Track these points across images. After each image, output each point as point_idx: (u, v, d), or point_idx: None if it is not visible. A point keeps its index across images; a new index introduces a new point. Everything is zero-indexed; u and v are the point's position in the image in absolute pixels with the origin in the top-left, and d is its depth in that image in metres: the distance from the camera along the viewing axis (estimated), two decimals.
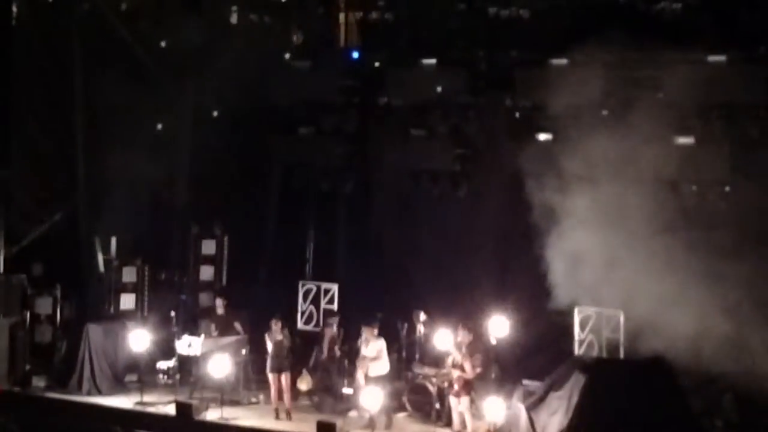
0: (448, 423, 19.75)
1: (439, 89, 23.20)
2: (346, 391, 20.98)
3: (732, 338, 18.19)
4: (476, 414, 19.50)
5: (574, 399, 18.87)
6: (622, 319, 20.03)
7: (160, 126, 23.98)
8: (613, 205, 19.10)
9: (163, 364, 22.34)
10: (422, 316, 21.25)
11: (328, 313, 22.50)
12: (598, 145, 19.66)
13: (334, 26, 24.81)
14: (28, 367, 22.79)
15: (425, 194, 23.74)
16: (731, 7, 19.46)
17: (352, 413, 20.34)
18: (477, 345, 19.79)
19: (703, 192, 20.61)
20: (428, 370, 20.33)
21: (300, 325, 22.65)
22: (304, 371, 20.95)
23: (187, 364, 21.96)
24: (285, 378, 20.42)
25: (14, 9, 24.13)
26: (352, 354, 20.96)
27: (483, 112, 23.07)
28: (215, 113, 24.29)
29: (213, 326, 22.13)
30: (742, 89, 19.52)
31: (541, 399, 19.58)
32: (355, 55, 24.62)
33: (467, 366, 19.11)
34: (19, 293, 23.02)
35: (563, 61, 21.45)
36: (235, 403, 21.31)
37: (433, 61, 23.21)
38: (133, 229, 23.71)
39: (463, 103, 23.14)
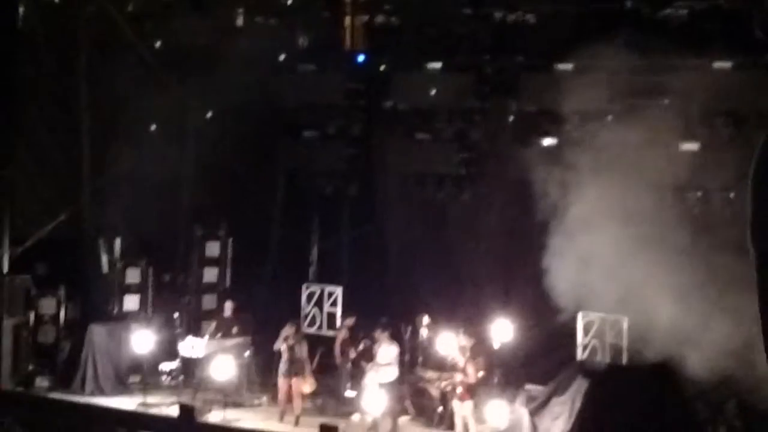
0: (451, 427, 19.76)
1: (443, 93, 23.19)
2: (350, 393, 21.00)
3: (736, 344, 18.18)
4: (479, 418, 19.51)
5: (577, 404, 18.88)
6: (625, 324, 20.06)
7: (165, 127, 23.96)
8: (617, 211, 19.09)
9: (166, 366, 22.39)
10: (425, 320, 21.27)
11: (345, 315, 22.53)
12: (603, 151, 19.67)
13: (339, 29, 24.80)
14: (31, 367, 22.82)
15: (430, 198, 23.75)
16: (737, 13, 19.44)
17: (355, 416, 20.35)
18: (480, 349, 19.80)
19: (708, 198, 20.61)
20: (431, 374, 20.35)
21: (303, 328, 22.65)
22: (307, 374, 20.96)
23: (190, 366, 21.99)
24: (296, 383, 20.41)
25: (20, 10, 24.13)
26: (363, 357, 20.95)
27: (488, 116, 23.08)
28: (220, 115, 24.27)
29: (214, 327, 22.13)
30: (748, 96, 19.51)
31: (544, 404, 19.60)
32: (361, 58, 24.62)
33: (470, 370, 19.11)
34: (24, 293, 23.04)
35: (568, 67, 21.46)
36: (238, 404, 21.33)
37: (438, 65, 23.22)
38: (138, 231, 23.74)
39: (468, 107, 23.15)
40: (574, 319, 20.46)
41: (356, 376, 20.96)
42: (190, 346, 21.66)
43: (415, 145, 23.69)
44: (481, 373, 19.37)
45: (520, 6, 21.88)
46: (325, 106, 24.58)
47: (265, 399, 21.75)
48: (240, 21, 24.81)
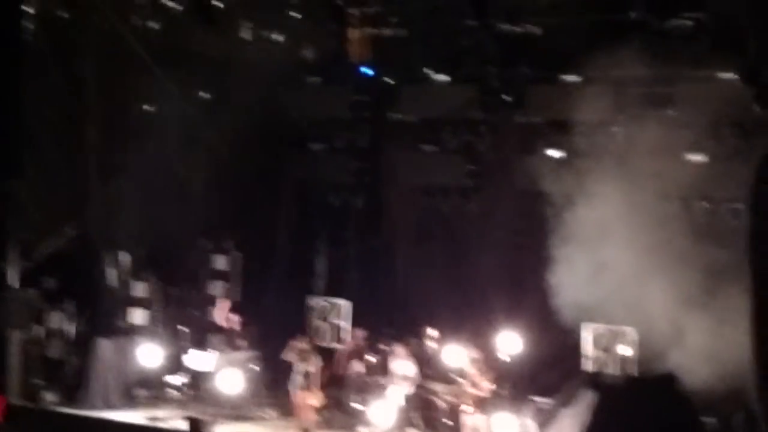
0: None
1: (449, 105, 23.21)
2: (357, 407, 20.98)
3: (745, 355, 18.16)
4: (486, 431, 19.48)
5: (585, 417, 18.84)
6: (634, 336, 20.04)
7: (172, 141, 23.98)
8: (625, 222, 19.10)
9: (173, 380, 22.38)
10: (432, 332, 21.25)
11: (354, 328, 22.57)
12: (610, 162, 19.67)
13: (346, 42, 24.80)
14: (39, 381, 22.82)
15: (436, 210, 23.76)
16: (744, 24, 19.42)
17: (362, 430, 20.33)
18: (490, 362, 19.81)
19: (715, 209, 20.58)
20: (438, 387, 20.32)
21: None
22: (316, 387, 20.95)
23: (198, 379, 22.00)
24: (305, 396, 20.39)
25: (27, 23, 24.19)
26: (371, 371, 20.96)
27: (494, 128, 23.09)
28: (227, 128, 24.30)
29: (221, 340, 22.14)
30: (755, 107, 19.48)
31: (552, 416, 19.57)
32: (368, 71, 24.64)
33: (482, 383, 19.08)
34: (31, 308, 23.07)
35: (575, 78, 21.47)
36: (245, 418, 21.32)
37: (444, 77, 23.24)
38: (145, 244, 23.76)
39: (474, 119, 23.16)
40: (581, 331, 20.45)
41: (364, 390, 20.95)
42: (198, 360, 21.66)
43: (422, 157, 23.72)
44: (493, 387, 19.35)
45: (526, 18, 21.88)
46: (331, 119, 24.62)
47: (272, 413, 21.74)
48: (247, 34, 24.83)
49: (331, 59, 24.84)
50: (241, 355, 21.96)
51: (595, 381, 19.81)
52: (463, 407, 19.38)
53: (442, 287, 23.02)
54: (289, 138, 25.00)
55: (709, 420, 18.83)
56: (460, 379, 19.65)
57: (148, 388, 22.38)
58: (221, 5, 23.28)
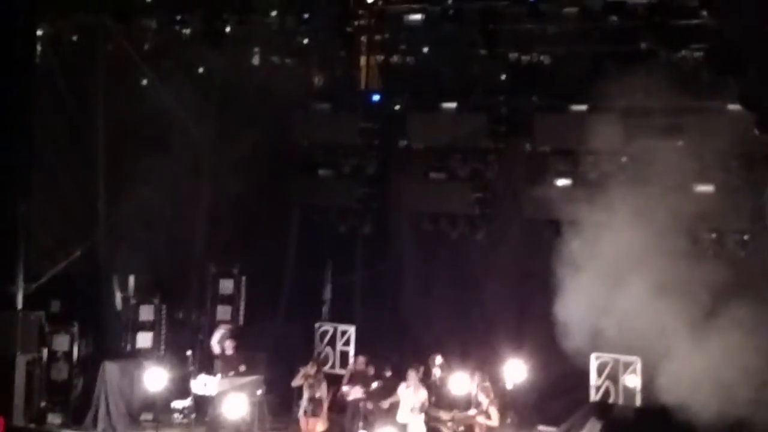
0: None
1: (457, 133, 23.24)
2: None
3: (752, 386, 18.13)
4: None
5: None
6: (639, 365, 20.01)
7: (180, 165, 24.03)
8: (631, 252, 19.09)
9: (178, 404, 22.36)
10: (438, 360, 21.22)
11: (345, 353, 22.56)
12: (617, 192, 19.68)
13: (355, 69, 24.89)
14: (44, 404, 22.81)
15: (443, 237, 23.75)
16: (743, 50, 19.44)
17: None
18: (498, 391, 19.78)
19: (722, 240, 20.56)
20: (443, 415, 20.26)
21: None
22: (323, 413, 20.88)
23: (202, 404, 21.96)
24: (312, 422, 20.34)
25: (38, 47, 24.28)
26: (377, 396, 20.92)
27: (503, 156, 23.11)
28: (235, 153, 24.33)
29: (220, 366, 22.11)
30: (763, 138, 19.49)
31: None
32: (376, 97, 24.69)
33: (493, 413, 19.03)
34: (37, 330, 23.05)
35: (583, 108, 21.49)
36: None
37: (453, 105, 23.26)
38: (152, 268, 23.77)
39: (482, 147, 23.17)
40: (587, 361, 20.42)
41: (368, 416, 20.91)
42: (203, 384, 21.63)
43: (430, 184, 23.71)
44: (500, 418, 19.26)
45: (535, 47, 21.93)
46: (339, 145, 24.62)
47: None
48: (256, 60, 24.91)
49: (341, 86, 24.91)
50: (247, 380, 21.93)
51: (600, 410, 19.78)
52: None
53: (448, 314, 23.01)
54: (296, 164, 25.02)
55: None
56: (466, 406, 19.59)
57: (153, 412, 22.34)
58: (231, 30, 23.38)
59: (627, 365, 20.34)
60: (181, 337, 23.26)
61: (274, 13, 23.34)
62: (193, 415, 21.97)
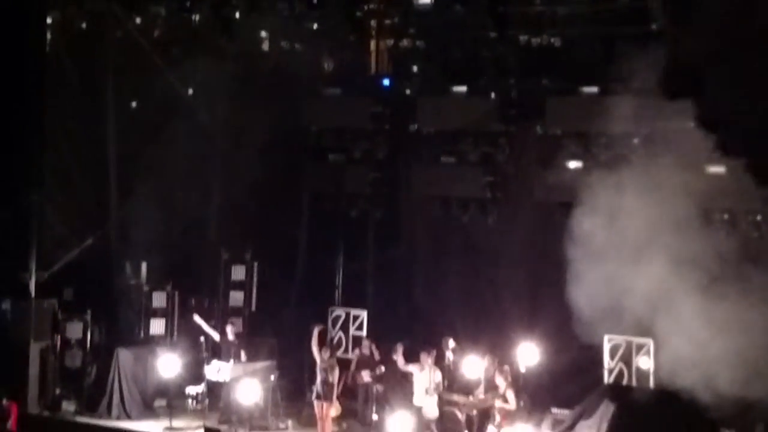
0: None
1: (468, 117, 23.20)
2: (375, 417, 20.96)
3: (765, 367, 18.09)
4: None
5: (604, 428, 18.83)
6: (652, 347, 19.99)
7: (192, 151, 24.04)
8: (643, 233, 19.05)
9: (192, 389, 22.41)
10: (451, 343, 21.22)
11: (358, 337, 22.58)
12: (629, 174, 19.63)
13: (365, 54, 24.87)
14: (58, 391, 22.88)
15: (455, 221, 23.73)
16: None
17: None
18: (515, 375, 19.79)
19: (734, 221, 20.50)
20: (457, 398, 20.27)
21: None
22: (334, 398, 20.92)
23: (216, 390, 22.01)
24: (325, 407, 20.36)
25: (48, 35, 24.30)
26: (388, 379, 20.94)
27: (513, 139, 23.07)
28: (246, 139, 24.34)
29: (228, 351, 22.13)
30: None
31: (570, 427, 19.56)
32: (386, 82, 24.66)
33: (511, 397, 19.02)
34: (50, 317, 23.13)
35: (594, 90, 21.43)
36: (263, 428, 21.33)
37: (463, 88, 23.22)
38: (164, 255, 23.80)
39: (493, 130, 23.13)
40: (600, 343, 20.41)
41: (381, 400, 20.95)
42: (216, 370, 21.68)
43: (441, 168, 23.69)
44: (517, 399, 19.25)
45: (546, 29, 21.88)
46: (350, 130, 24.61)
47: (290, 423, 21.73)
48: (266, 46, 24.90)
49: (351, 71, 24.88)
50: (260, 365, 21.96)
51: (613, 392, 19.77)
52: (490, 419, 19.23)
53: (460, 298, 22.99)
54: (307, 149, 25.02)
55: (729, 431, 18.76)
56: (483, 392, 19.58)
57: (167, 398, 22.39)
58: (240, 17, 23.38)
59: (640, 347, 20.31)
60: (193, 324, 23.26)
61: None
62: (207, 401, 22.04)
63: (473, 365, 20.10)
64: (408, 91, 24.34)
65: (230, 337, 22.22)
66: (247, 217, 24.57)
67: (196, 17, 23.97)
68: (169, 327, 23.79)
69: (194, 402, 22.44)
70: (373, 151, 24.47)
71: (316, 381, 20.49)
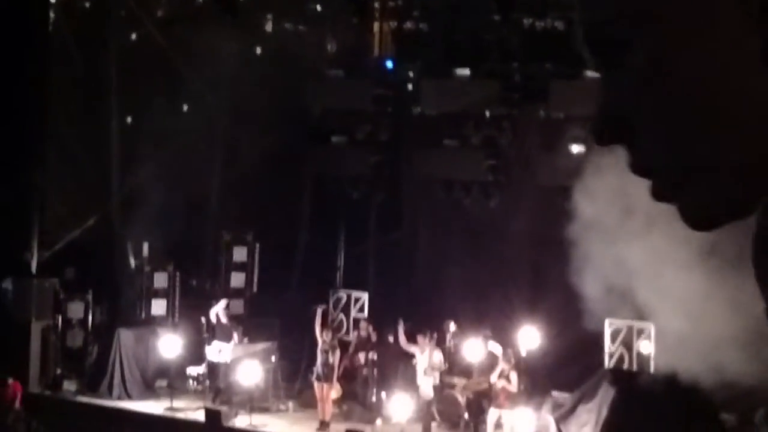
0: None
1: (471, 100, 23.17)
2: (376, 399, 21.00)
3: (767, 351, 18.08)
4: (504, 425, 19.45)
5: (604, 412, 18.85)
6: (653, 332, 19.98)
7: (194, 132, 24.03)
8: (645, 218, 19.02)
9: (193, 370, 22.44)
10: (452, 327, 21.24)
11: (359, 320, 22.61)
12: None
13: (368, 36, 24.83)
14: (59, 370, 22.92)
15: (457, 204, 23.72)
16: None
17: (379, 422, 20.33)
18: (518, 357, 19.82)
19: None
20: (458, 380, 20.31)
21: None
22: (334, 380, 20.96)
23: (216, 371, 22.04)
24: (325, 389, 20.39)
25: (51, 15, 24.27)
26: (383, 361, 20.97)
27: (516, 123, 23.05)
28: (248, 120, 24.32)
29: (221, 333, 22.13)
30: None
31: (571, 411, 19.57)
32: (389, 64, 24.64)
33: (514, 378, 19.05)
34: (52, 297, 23.15)
35: (598, 74, 21.35)
36: (264, 410, 21.36)
37: (467, 71, 23.18)
38: (165, 235, 23.79)
39: (496, 114, 23.12)
40: (601, 327, 20.40)
41: (380, 382, 20.98)
42: (217, 351, 21.70)
43: (443, 151, 23.67)
44: (519, 382, 19.27)
45: (549, 13, 21.83)
46: (353, 112, 24.58)
47: (291, 404, 21.77)
48: (269, 27, 24.86)
49: (354, 53, 24.85)
50: (261, 346, 21.99)
51: (614, 376, 19.78)
52: (493, 400, 19.25)
53: (461, 281, 22.99)
54: (310, 131, 25.00)
55: (728, 417, 18.77)
56: (483, 375, 19.60)
57: (168, 379, 22.42)
58: None
59: (641, 331, 20.30)
60: (195, 304, 23.30)
61: None
62: (208, 382, 22.07)
63: (474, 348, 20.12)
64: (411, 74, 24.31)
65: (224, 320, 22.22)
66: (249, 198, 24.55)
67: None
68: (170, 307, 23.80)
69: (195, 383, 22.47)
70: (376, 134, 24.45)
71: (316, 362, 20.51)
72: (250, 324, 23.21)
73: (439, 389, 20.30)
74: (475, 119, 23.41)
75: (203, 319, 22.43)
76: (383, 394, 20.62)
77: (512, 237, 22.83)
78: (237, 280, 24.70)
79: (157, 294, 23.78)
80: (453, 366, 20.81)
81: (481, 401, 19.82)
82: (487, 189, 23.38)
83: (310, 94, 24.71)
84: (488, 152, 23.22)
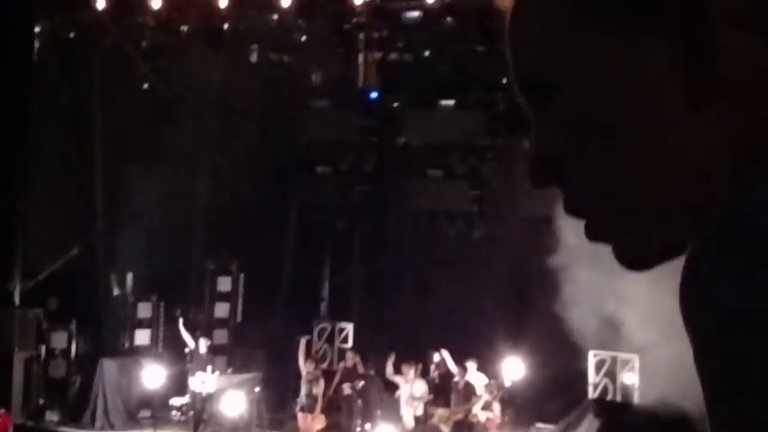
0: None
1: (455, 130, 23.23)
2: (360, 430, 20.94)
3: None
4: None
5: None
6: (637, 363, 19.99)
7: (178, 162, 24.03)
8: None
9: (176, 401, 22.35)
10: (436, 357, 21.22)
11: (343, 350, 22.58)
12: None
13: (353, 66, 24.88)
14: (42, 401, 22.80)
15: (441, 235, 23.74)
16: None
17: None
18: (497, 387, 19.81)
19: None
20: (442, 411, 20.27)
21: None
22: (318, 410, 20.92)
23: (200, 401, 21.96)
24: (309, 420, 20.34)
25: (36, 43, 24.28)
26: (368, 392, 20.93)
27: (501, 153, 23.10)
28: (233, 150, 24.34)
29: (198, 364, 22.06)
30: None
31: None
32: (374, 95, 24.70)
33: (497, 409, 19.05)
34: (35, 327, 23.05)
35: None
36: None
37: (451, 102, 23.26)
38: (150, 265, 23.76)
39: (480, 144, 23.17)
40: (585, 358, 20.41)
41: (365, 412, 20.92)
42: (201, 381, 21.64)
43: (428, 182, 23.71)
44: (504, 416, 19.27)
45: None
46: (337, 143, 24.62)
47: None
48: (254, 57, 24.90)
49: (339, 83, 24.90)
50: (245, 377, 21.94)
51: (598, 407, 19.77)
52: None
53: (446, 312, 22.98)
54: (295, 161, 25.02)
55: None
56: (468, 404, 19.58)
57: (151, 409, 22.33)
58: (229, 28, 23.37)
59: (625, 362, 20.31)
60: (178, 335, 23.23)
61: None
62: (191, 413, 21.99)
63: (459, 379, 20.10)
64: (396, 104, 24.37)
65: (202, 350, 22.14)
66: (233, 228, 24.54)
67: (185, 28, 23.92)
68: (154, 338, 23.75)
69: (178, 413, 22.39)
70: (361, 164, 24.48)
71: (300, 393, 20.47)
72: (234, 354, 23.15)
73: (422, 420, 20.26)
74: (460, 149, 23.46)
75: (186, 350, 22.36)
76: (367, 425, 20.56)
77: (496, 267, 22.85)
78: (221, 310, 24.68)
79: (141, 324, 23.73)
80: (437, 396, 20.78)
81: (467, 430, 19.79)
82: (472, 219, 23.42)
83: (295, 124, 24.74)
84: (473, 183, 23.28)
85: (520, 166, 22.89)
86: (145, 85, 24.38)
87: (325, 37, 23.81)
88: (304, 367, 20.36)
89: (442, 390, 20.78)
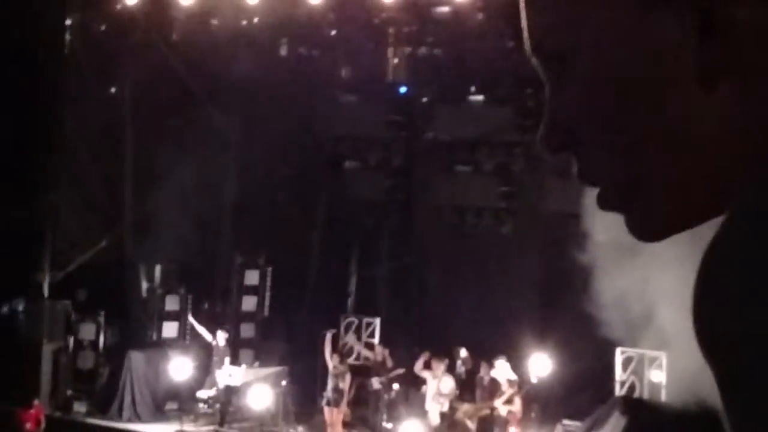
0: None
1: (484, 126, 23.20)
2: (386, 425, 20.96)
3: None
4: None
5: None
6: (664, 360, 19.93)
7: (208, 156, 24.08)
8: (658, 245, 18.97)
9: (203, 393, 22.41)
10: (462, 353, 21.21)
11: (371, 344, 22.60)
12: None
13: (382, 61, 24.88)
14: (69, 392, 22.92)
15: (469, 230, 23.72)
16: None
17: None
18: (522, 383, 19.80)
19: None
20: (467, 407, 20.26)
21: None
22: (343, 404, 20.94)
23: (227, 394, 22.02)
24: (335, 414, 20.37)
25: (67, 36, 24.37)
26: (394, 386, 20.96)
27: (529, 149, 23.04)
28: (262, 145, 24.36)
29: (216, 359, 22.14)
30: None
31: None
32: (403, 90, 24.68)
33: (517, 403, 19.04)
34: (63, 319, 23.18)
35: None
36: None
37: (480, 97, 23.24)
38: (178, 258, 23.84)
39: (509, 140, 23.13)
40: (612, 355, 20.36)
41: (391, 407, 20.94)
42: (228, 374, 21.69)
43: (456, 177, 23.71)
44: (524, 411, 19.25)
45: None
46: (366, 138, 24.65)
47: (301, 429, 21.73)
48: (284, 51, 24.92)
49: (368, 78, 24.90)
50: (271, 370, 21.97)
51: (624, 405, 19.70)
52: (501, 425, 19.25)
53: (473, 307, 22.96)
54: (323, 155, 25.05)
55: None
56: (493, 400, 19.58)
57: (178, 401, 22.41)
58: (259, 21, 23.40)
59: (652, 360, 20.25)
60: (206, 327, 23.31)
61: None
62: (218, 405, 22.05)
63: (483, 374, 20.10)
64: (425, 99, 24.35)
65: (221, 343, 22.20)
66: (261, 222, 24.58)
67: (215, 21, 23.96)
68: (181, 330, 23.81)
69: (205, 406, 22.45)
70: (389, 159, 24.49)
71: (327, 387, 20.50)
72: (260, 348, 23.19)
73: (448, 416, 20.26)
74: (489, 145, 23.43)
75: (213, 342, 22.42)
76: (394, 419, 20.57)
77: (524, 263, 22.82)
78: (248, 303, 24.72)
79: (169, 316, 23.80)
80: (463, 392, 20.77)
81: (492, 428, 19.77)
82: (499, 215, 23.39)
83: (323, 119, 24.77)
84: (501, 179, 23.24)
85: (548, 162, 22.86)
86: (176, 80, 24.40)
87: (355, 31, 23.81)
88: (331, 361, 20.39)
89: (467, 386, 20.77)
